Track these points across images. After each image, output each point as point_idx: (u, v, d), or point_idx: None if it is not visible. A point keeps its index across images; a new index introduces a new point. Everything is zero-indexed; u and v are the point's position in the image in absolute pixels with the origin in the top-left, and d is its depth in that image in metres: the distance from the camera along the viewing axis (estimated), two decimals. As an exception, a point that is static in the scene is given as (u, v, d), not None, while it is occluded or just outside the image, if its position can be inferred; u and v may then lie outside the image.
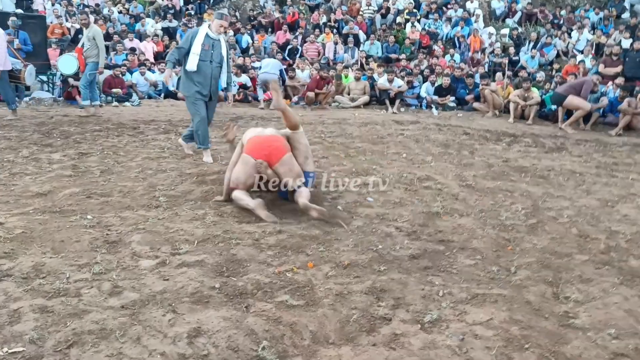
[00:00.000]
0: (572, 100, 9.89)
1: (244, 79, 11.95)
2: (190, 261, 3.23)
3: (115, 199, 4.50)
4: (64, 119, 8.63)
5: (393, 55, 14.82)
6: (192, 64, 5.82)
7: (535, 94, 11.10)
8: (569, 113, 10.22)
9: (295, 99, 12.05)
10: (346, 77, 12.61)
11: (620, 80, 11.09)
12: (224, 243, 3.57)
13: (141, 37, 14.93)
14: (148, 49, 14.16)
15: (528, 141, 8.56)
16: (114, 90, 11.00)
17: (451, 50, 14.84)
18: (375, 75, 12.48)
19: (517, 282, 3.22)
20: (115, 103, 10.71)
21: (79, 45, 9.19)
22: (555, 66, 14.13)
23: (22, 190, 4.65)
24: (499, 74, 13.00)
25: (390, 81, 11.73)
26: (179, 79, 6.05)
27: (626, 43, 13.34)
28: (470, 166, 6.42)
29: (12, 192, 4.61)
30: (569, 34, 15.43)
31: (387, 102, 11.61)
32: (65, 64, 9.31)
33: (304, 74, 12.79)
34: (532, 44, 15.33)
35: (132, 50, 13.43)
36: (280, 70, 11.42)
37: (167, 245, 3.50)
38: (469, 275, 3.29)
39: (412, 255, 3.56)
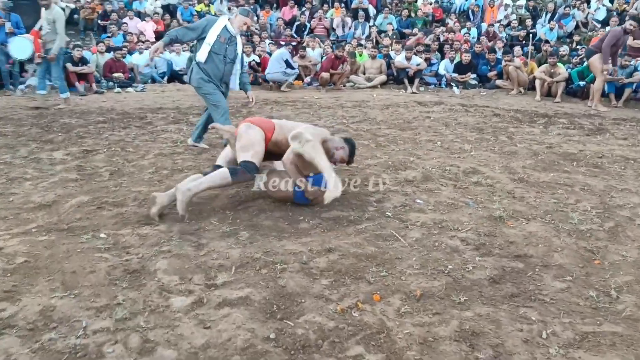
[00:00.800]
0: (593, 60, 9.23)
1: (253, 57, 11.26)
2: (232, 298, 2.65)
3: (130, 209, 3.90)
4: (64, 109, 7.99)
5: (407, 31, 14.07)
6: (203, 54, 5.20)
7: (562, 69, 10.43)
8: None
9: (307, 79, 11.37)
10: (361, 55, 11.89)
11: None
12: (267, 269, 2.99)
13: (140, 15, 14.15)
14: (148, 29, 13.42)
15: (564, 122, 7.96)
16: (116, 74, 10.32)
17: (468, 24, 14.10)
18: (391, 53, 11.75)
19: (627, 313, 2.65)
20: (117, 89, 10.01)
21: (36, 27, 8.29)
22: (575, 38, 13.40)
23: (22, 201, 4.05)
24: (517, 48, 12.32)
25: (409, 59, 11.02)
26: (190, 70, 5.42)
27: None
28: (514, 155, 5.82)
29: (11, 203, 4.02)
30: (588, 3, 14.67)
31: (406, 81, 10.93)
32: (18, 47, 8.26)
33: (315, 52, 12.05)
34: (549, 15, 14.60)
35: (120, 24, 12.71)
36: (286, 60, 10.51)
37: (200, 274, 2.92)
38: (567, 305, 2.72)
39: (492, 278, 2.98)
